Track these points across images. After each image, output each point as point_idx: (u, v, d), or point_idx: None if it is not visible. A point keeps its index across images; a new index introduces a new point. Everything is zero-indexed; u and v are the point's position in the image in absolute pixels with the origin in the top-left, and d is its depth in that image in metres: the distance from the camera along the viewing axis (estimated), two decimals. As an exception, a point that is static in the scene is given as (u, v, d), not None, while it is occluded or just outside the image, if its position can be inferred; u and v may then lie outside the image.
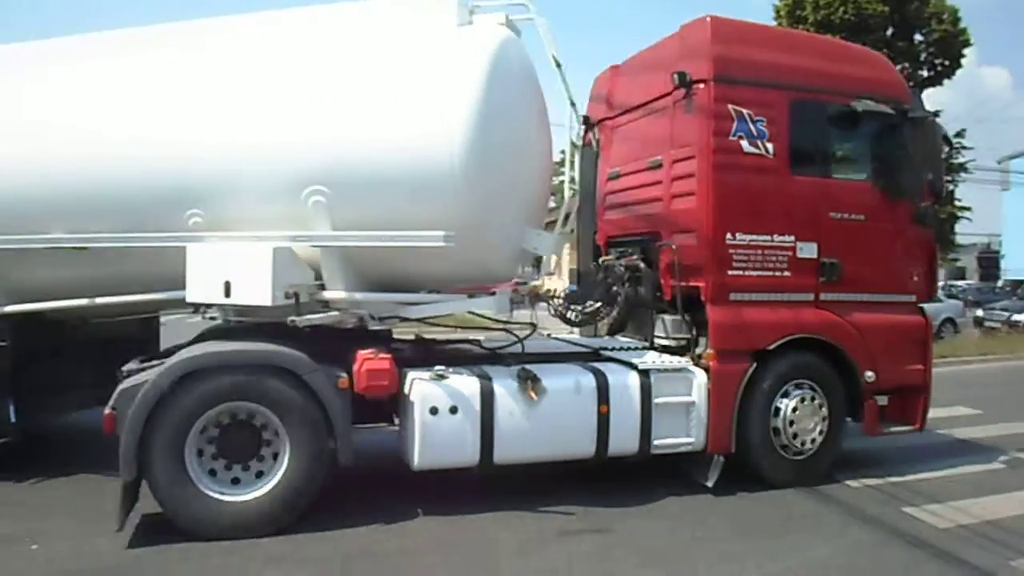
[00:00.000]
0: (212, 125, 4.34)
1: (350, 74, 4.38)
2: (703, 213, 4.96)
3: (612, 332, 6.00)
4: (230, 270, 4.14)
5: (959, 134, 25.76)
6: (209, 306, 4.41)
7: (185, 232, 4.40)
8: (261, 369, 4.11)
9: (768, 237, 5.05)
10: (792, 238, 5.11)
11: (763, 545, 4.27)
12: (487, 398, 4.41)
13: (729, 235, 4.96)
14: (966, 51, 29.70)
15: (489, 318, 5.12)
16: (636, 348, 5.37)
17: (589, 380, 4.68)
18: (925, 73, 30.31)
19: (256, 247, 4.12)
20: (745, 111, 4.98)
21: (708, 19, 5.11)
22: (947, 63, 29.56)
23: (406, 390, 4.38)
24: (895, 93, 5.49)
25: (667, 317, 5.32)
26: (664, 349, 5.34)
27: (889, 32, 30.70)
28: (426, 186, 4.16)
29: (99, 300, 4.71)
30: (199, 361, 4.03)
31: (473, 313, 4.95)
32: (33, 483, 4.97)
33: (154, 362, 4.47)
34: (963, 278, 42.39)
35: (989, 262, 40.37)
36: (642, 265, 5.49)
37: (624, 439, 4.70)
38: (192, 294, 4.28)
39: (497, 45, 4.42)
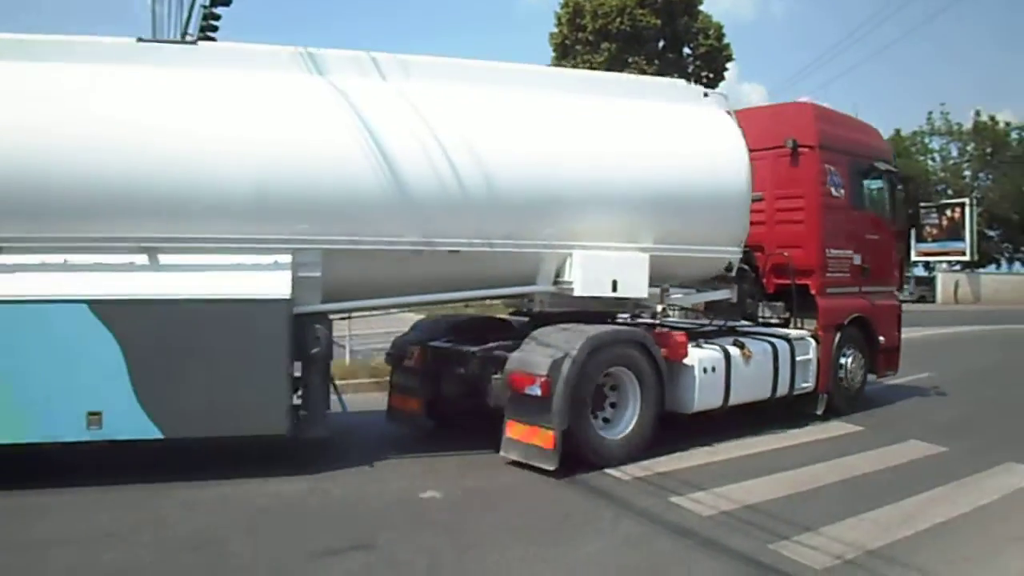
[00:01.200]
0: (584, 163, 6.67)
1: (661, 132, 7.09)
2: (813, 235, 8.41)
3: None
4: (616, 271, 6.56)
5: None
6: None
7: (540, 241, 6.64)
8: (631, 343, 6.57)
9: (842, 251, 8.68)
10: (851, 251, 8.81)
11: (535, 549, 4.62)
12: (727, 360, 7.34)
13: (827, 250, 8.47)
14: (729, 65, 37.67)
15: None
16: (748, 324, 8.62)
17: (767, 346, 7.84)
18: (693, 85, 38.06)
19: (636, 254, 6.63)
20: (832, 168, 8.52)
21: (810, 104, 8.58)
22: (712, 76, 37.15)
23: (681, 357, 7.13)
24: (887, 156, 9.50)
25: (774, 303, 8.67)
26: (765, 325, 8.67)
27: (661, 44, 37.65)
28: (723, 211, 7.10)
29: (467, 294, 6.70)
30: (601, 338, 6.34)
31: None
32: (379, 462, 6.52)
33: (508, 342, 6.64)
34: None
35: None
36: (747, 268, 8.75)
37: (784, 385, 7.95)
38: (580, 289, 6.58)
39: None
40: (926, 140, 47.75)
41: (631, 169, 6.82)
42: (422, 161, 6.24)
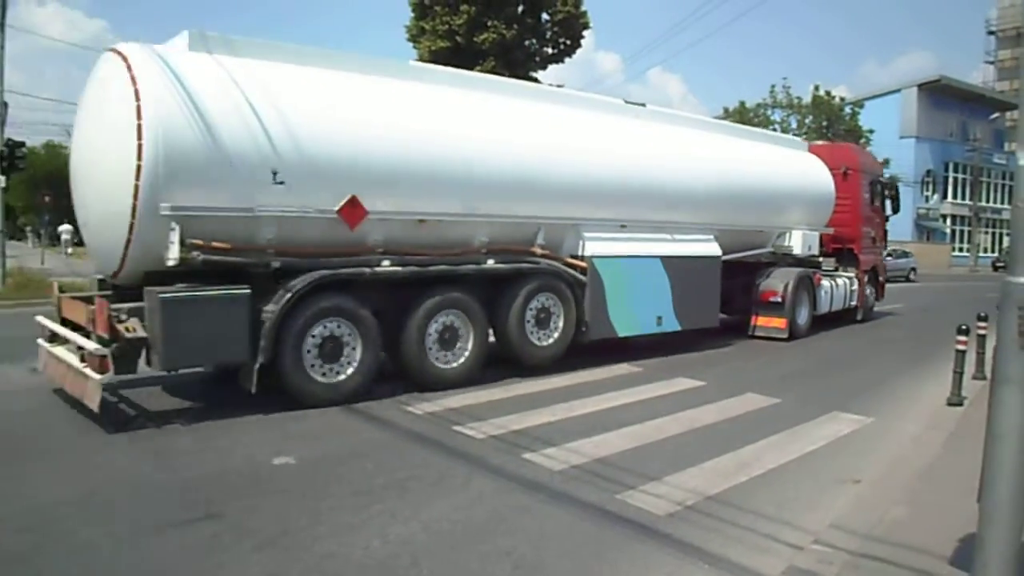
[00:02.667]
0: (790, 183, 15.10)
1: (801, 164, 15.89)
2: (856, 220, 17.47)
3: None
4: (809, 241, 15.22)
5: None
6: (795, 255, 15.09)
7: (777, 224, 14.84)
8: (807, 277, 15.11)
9: (868, 229, 17.95)
10: (871, 229, 18.10)
11: (386, 508, 5.00)
12: (831, 287, 16.14)
13: (862, 228, 17.57)
14: (586, 33, 39.48)
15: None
16: (817, 270, 17.48)
17: (845, 279, 16.86)
18: (550, 50, 42.30)
19: (812, 232, 15.42)
20: (865, 183, 17.61)
21: (854, 146, 17.76)
22: (569, 42, 38.90)
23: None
24: (881, 170, 19.00)
25: (828, 258, 17.52)
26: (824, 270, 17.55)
27: (520, 9, 42.49)
28: (825, 207, 16.19)
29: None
30: (802, 274, 14.79)
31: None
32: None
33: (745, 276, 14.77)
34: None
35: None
36: (816, 238, 17.60)
37: (848, 302, 17.01)
38: (798, 251, 15.04)
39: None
40: (768, 112, 53.81)
41: (803, 186, 15.44)
42: (745, 176, 13.96)
